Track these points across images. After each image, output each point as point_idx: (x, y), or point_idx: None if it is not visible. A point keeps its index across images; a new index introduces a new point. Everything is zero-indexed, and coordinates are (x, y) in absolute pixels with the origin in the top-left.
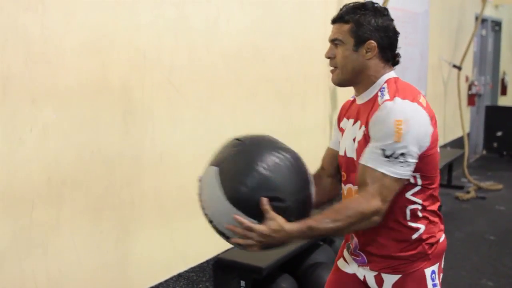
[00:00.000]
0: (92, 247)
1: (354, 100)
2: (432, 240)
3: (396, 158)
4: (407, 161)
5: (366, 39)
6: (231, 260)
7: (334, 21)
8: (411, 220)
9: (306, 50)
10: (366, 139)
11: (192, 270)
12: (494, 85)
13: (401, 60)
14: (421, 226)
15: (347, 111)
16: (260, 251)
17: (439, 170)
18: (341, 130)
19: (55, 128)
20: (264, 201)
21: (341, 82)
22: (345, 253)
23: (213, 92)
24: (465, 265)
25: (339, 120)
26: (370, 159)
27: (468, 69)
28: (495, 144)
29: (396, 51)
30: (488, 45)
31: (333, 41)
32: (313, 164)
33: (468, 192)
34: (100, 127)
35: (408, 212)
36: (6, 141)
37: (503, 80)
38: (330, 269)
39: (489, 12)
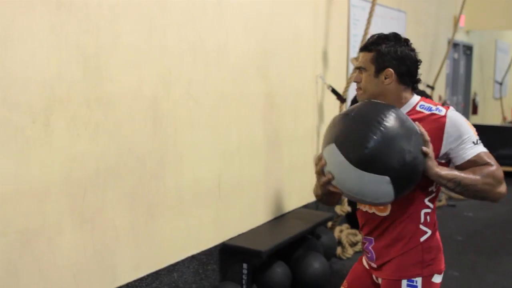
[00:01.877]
0: (128, 226)
1: None
2: (428, 248)
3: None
4: None
5: (385, 67)
6: (235, 246)
7: (361, 49)
8: (423, 224)
9: (299, 69)
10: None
11: (203, 253)
12: (466, 104)
13: None
14: (429, 231)
15: None
16: None
17: None
18: None
19: (103, 127)
20: (424, 148)
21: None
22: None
23: (222, 103)
24: None
25: None
26: (470, 149)
27: (441, 89)
28: None
29: (417, 77)
30: (460, 67)
31: (359, 68)
32: (301, 168)
33: (440, 201)
34: (135, 129)
35: (422, 215)
36: (67, 136)
37: (474, 100)
38: (317, 257)
39: (461, 37)
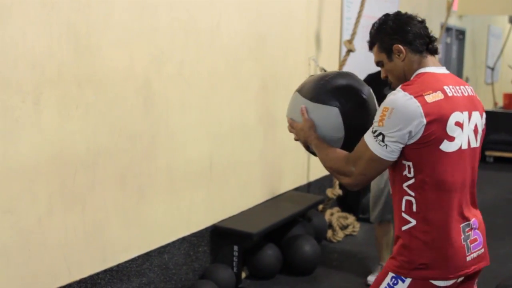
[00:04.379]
0: (118, 207)
1: None
2: (416, 245)
3: (377, 136)
4: (385, 143)
5: (391, 46)
6: (226, 228)
7: (369, 49)
8: (405, 212)
9: (291, 51)
10: None
11: (194, 235)
12: None
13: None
14: (413, 221)
15: None
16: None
17: (450, 179)
18: None
19: (94, 107)
20: (303, 109)
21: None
22: None
23: (214, 84)
24: None
25: None
26: (366, 133)
27: None
28: None
29: (429, 37)
30: (453, 52)
31: (377, 64)
32: (294, 151)
33: None
34: (126, 109)
35: (404, 202)
36: (58, 116)
37: None
38: (308, 240)
39: (454, 22)
